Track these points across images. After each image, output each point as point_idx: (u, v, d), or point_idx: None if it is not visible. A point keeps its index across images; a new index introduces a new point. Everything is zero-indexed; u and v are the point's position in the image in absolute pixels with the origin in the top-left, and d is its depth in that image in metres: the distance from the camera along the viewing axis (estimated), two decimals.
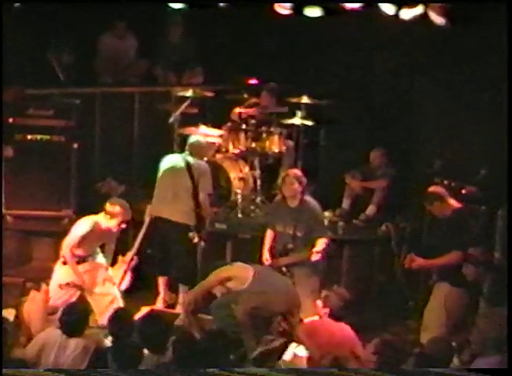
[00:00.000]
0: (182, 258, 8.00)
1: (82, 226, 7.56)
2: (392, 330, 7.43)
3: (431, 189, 7.23)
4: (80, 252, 7.59)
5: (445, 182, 8.09)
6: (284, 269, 7.60)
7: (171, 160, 8.27)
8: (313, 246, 7.55)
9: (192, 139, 8.42)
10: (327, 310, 6.45)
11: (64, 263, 7.60)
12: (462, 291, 6.86)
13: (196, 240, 7.93)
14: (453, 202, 7.08)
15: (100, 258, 7.76)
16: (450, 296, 6.89)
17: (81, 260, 7.59)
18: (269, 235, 7.83)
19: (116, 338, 5.97)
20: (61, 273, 7.59)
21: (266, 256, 7.73)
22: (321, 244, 7.53)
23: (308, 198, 7.78)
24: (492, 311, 5.85)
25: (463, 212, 7.04)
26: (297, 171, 7.93)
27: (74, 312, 6.07)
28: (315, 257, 7.46)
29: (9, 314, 6.74)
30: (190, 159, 8.21)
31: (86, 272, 7.60)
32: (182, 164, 8.17)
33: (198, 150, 8.30)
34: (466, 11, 7.63)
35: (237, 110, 9.39)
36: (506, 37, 7.38)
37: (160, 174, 8.24)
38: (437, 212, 7.11)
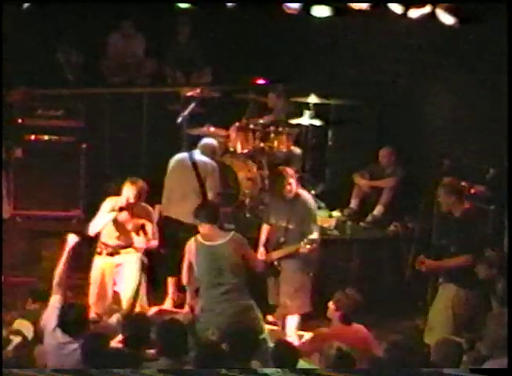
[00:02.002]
0: None
1: (105, 204, 7.49)
2: (401, 330, 7.42)
3: (449, 180, 7.17)
4: (114, 242, 7.53)
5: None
6: (276, 263, 7.60)
7: (178, 160, 8.27)
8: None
9: (204, 141, 8.42)
10: (339, 313, 6.40)
11: (99, 254, 7.55)
12: (469, 293, 6.83)
13: None
14: (465, 202, 7.05)
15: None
16: (457, 297, 6.86)
17: (115, 252, 7.52)
18: (265, 229, 7.81)
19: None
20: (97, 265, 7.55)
21: (261, 250, 7.69)
22: (311, 237, 7.44)
23: (303, 192, 7.78)
24: (503, 312, 5.81)
25: (474, 213, 7.00)
26: (290, 170, 7.81)
27: (72, 310, 6.08)
28: (302, 249, 7.40)
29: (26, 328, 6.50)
30: (197, 158, 8.20)
31: (119, 265, 7.54)
32: (188, 163, 8.17)
33: (209, 151, 8.32)
34: (467, 11, 7.62)
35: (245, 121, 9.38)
36: (506, 37, 7.37)
37: (167, 174, 8.26)
38: (449, 207, 7.01)
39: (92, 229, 7.49)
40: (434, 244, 7.26)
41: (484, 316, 6.06)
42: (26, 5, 8.63)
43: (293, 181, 7.66)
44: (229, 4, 8.89)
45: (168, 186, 8.25)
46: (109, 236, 7.55)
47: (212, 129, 9.23)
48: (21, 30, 8.92)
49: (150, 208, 7.67)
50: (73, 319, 6.00)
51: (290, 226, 7.58)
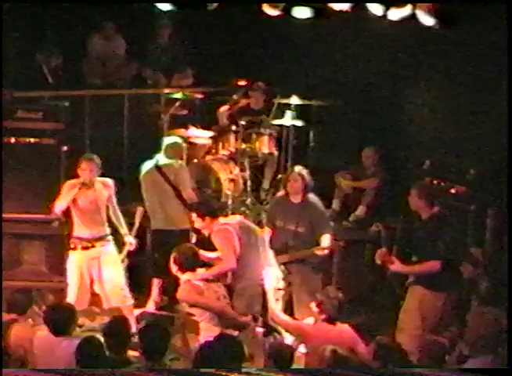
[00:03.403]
0: None
1: (65, 186, 7.50)
2: (383, 330, 7.41)
3: (420, 185, 7.14)
4: (87, 233, 7.49)
5: (435, 181, 8.12)
6: (282, 267, 7.52)
7: (145, 172, 8.20)
8: (316, 243, 7.46)
9: (165, 142, 8.35)
10: (324, 316, 6.35)
11: (73, 249, 7.50)
12: (437, 295, 6.79)
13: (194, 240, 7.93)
14: (434, 207, 6.96)
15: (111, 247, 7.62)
16: (425, 299, 6.82)
17: (91, 245, 7.48)
18: (267, 233, 7.71)
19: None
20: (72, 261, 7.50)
21: None
22: (326, 239, 7.44)
23: (311, 195, 7.67)
24: (485, 311, 5.79)
25: (441, 218, 6.90)
26: (302, 168, 7.77)
27: (59, 311, 6.06)
28: (321, 252, 7.38)
29: None
30: (161, 163, 8.12)
31: (94, 259, 7.50)
32: (154, 171, 8.12)
33: (175, 151, 8.25)
34: (466, 11, 7.61)
35: (223, 109, 9.35)
36: (506, 37, 7.37)
37: (142, 188, 8.20)
38: (417, 210, 6.99)
39: (57, 206, 7.49)
40: (415, 244, 7.23)
41: (458, 317, 6.05)
42: (6, 5, 8.58)
43: (299, 178, 7.54)
44: (210, 5, 8.86)
45: (147, 199, 8.20)
46: (81, 228, 7.50)
47: (193, 131, 9.21)
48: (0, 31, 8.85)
49: (108, 180, 7.64)
50: (60, 320, 5.95)
51: (300, 230, 7.49)
